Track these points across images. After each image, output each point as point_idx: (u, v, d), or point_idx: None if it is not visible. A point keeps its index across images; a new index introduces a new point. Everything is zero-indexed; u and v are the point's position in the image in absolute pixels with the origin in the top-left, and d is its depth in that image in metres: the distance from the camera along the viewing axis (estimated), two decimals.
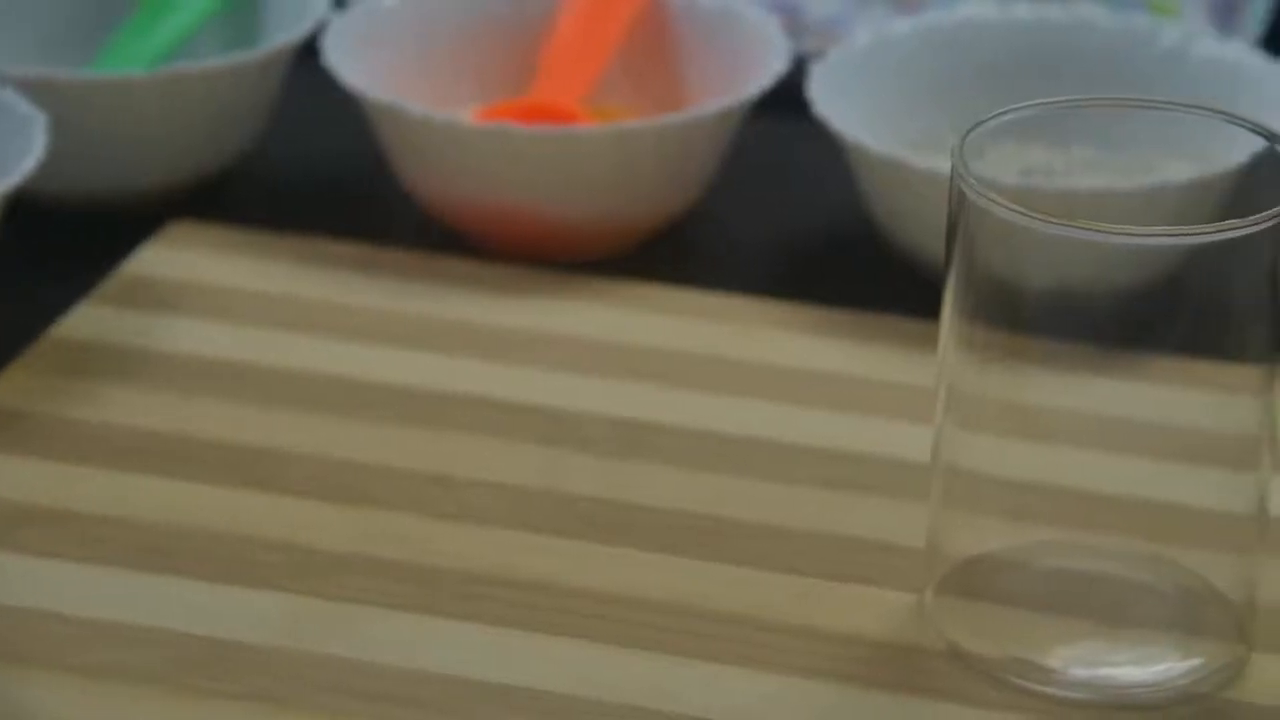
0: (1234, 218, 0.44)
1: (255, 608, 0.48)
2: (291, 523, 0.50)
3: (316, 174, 0.65)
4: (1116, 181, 0.55)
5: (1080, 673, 0.46)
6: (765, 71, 0.60)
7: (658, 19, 0.64)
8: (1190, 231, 0.45)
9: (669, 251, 0.61)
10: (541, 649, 0.47)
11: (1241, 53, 0.61)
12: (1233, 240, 0.44)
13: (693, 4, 0.64)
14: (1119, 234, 0.44)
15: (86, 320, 0.57)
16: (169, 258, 0.60)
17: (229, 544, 0.50)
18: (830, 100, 0.59)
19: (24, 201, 0.59)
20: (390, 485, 0.52)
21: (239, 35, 0.65)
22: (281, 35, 0.63)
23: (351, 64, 0.60)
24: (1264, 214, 0.44)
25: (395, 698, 0.46)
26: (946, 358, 0.46)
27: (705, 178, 0.61)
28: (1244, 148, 0.46)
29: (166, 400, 0.54)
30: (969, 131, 0.46)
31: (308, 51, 0.62)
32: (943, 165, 0.45)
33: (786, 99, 0.61)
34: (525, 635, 0.47)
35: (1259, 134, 0.45)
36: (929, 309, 0.47)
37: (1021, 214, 0.44)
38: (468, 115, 0.62)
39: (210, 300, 0.58)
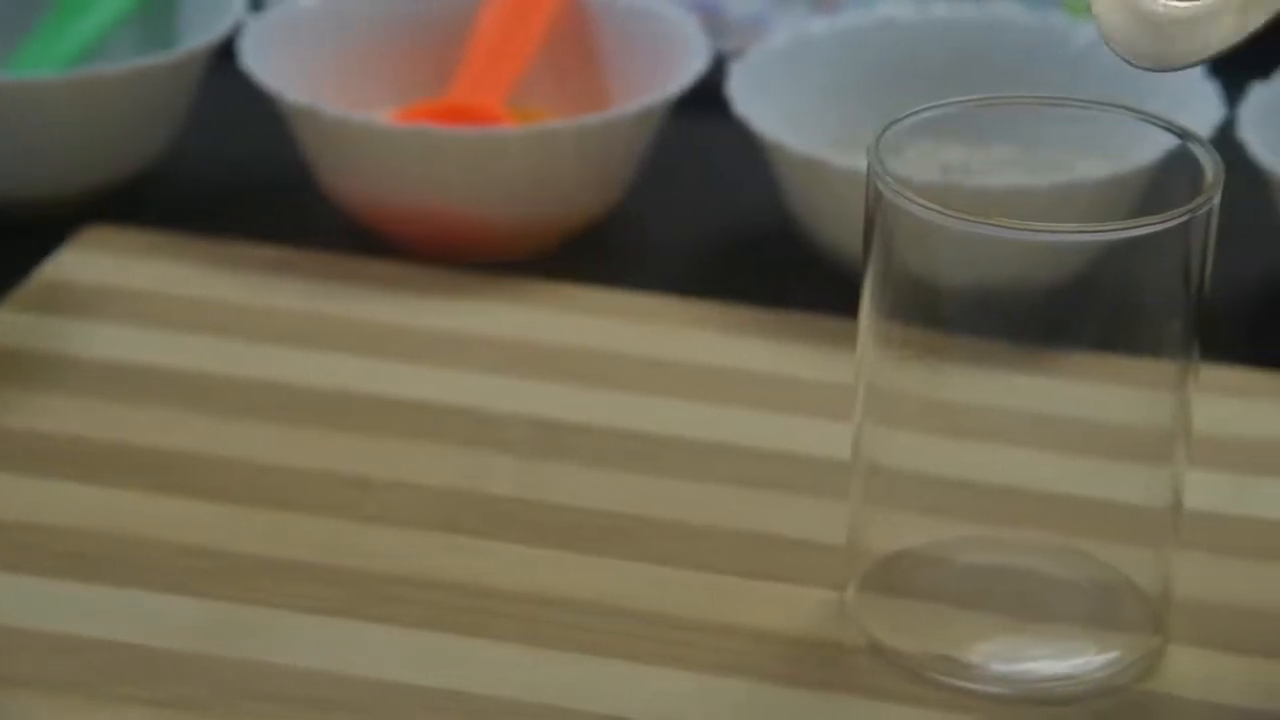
0: (1148, 214, 0.44)
1: (176, 614, 0.48)
2: (211, 528, 0.50)
3: (234, 176, 0.65)
4: (1033, 179, 0.56)
5: (999, 667, 0.46)
6: (685, 71, 0.60)
7: (578, 19, 0.64)
8: (1105, 228, 0.45)
9: (590, 251, 0.61)
10: (462, 650, 0.47)
11: None
12: (1146, 237, 0.44)
13: (613, 4, 0.64)
14: (1034, 231, 0.44)
15: (2, 327, 0.57)
16: (86, 262, 0.59)
17: (148, 550, 0.49)
18: (750, 99, 0.59)
19: None
20: (310, 489, 0.51)
21: (154, 37, 0.65)
22: (197, 37, 0.62)
23: (268, 65, 0.60)
24: (1176, 210, 0.44)
25: (317, 702, 0.46)
26: (865, 355, 0.47)
27: (625, 177, 0.61)
28: (1157, 145, 0.47)
29: (85, 406, 0.54)
30: (884, 129, 0.46)
31: (224, 53, 0.62)
32: (861, 164, 0.46)
33: (706, 98, 0.61)
34: (446, 637, 0.47)
35: (1171, 132, 0.46)
36: (849, 307, 0.47)
37: (937, 211, 0.44)
38: (387, 116, 0.62)
39: (128, 305, 0.58)
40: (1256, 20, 0.41)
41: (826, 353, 0.55)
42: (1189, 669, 0.46)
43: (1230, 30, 0.41)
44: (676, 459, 0.52)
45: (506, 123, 0.62)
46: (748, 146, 0.60)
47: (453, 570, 0.49)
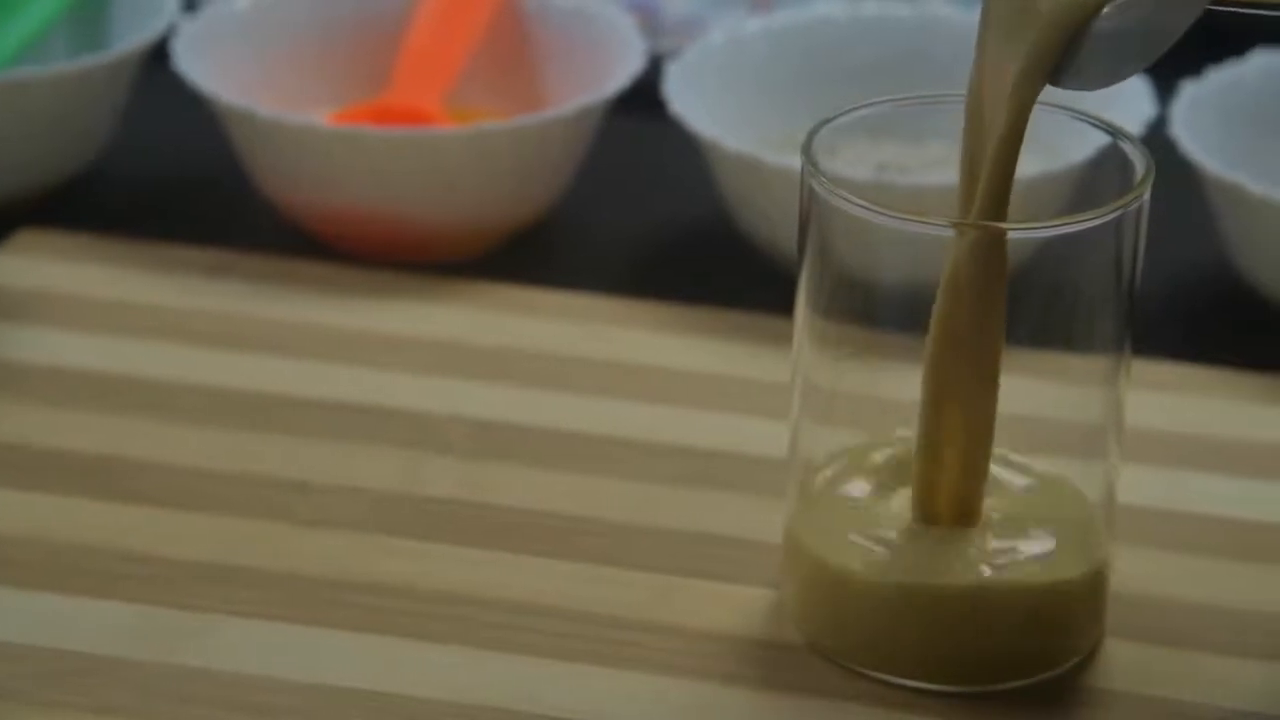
0: (1079, 212, 0.45)
1: (109, 619, 0.47)
2: (146, 532, 0.50)
3: (169, 179, 0.64)
4: None
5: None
6: (622, 71, 0.60)
7: (515, 19, 0.64)
8: (1037, 226, 0.45)
9: (528, 252, 0.61)
10: (402, 653, 0.47)
11: None
12: (1078, 234, 0.45)
13: (550, 4, 0.64)
14: (968, 228, 0.44)
15: None
16: (18, 266, 0.59)
17: (80, 555, 0.49)
18: (686, 98, 0.59)
19: None
20: (246, 492, 0.51)
21: (86, 39, 0.64)
22: (130, 38, 0.62)
23: (203, 67, 0.60)
24: (1107, 207, 0.45)
25: (254, 707, 0.45)
26: (801, 354, 0.47)
27: (563, 178, 0.61)
28: (1089, 143, 0.47)
29: (17, 410, 0.54)
30: (818, 128, 0.46)
31: (158, 54, 0.62)
32: (796, 162, 0.46)
33: (644, 98, 0.61)
34: (385, 640, 0.47)
35: (1103, 130, 0.46)
36: (787, 305, 0.47)
37: (868, 209, 0.44)
38: (322, 118, 0.62)
39: (61, 308, 0.57)
40: None
41: (765, 351, 0.56)
42: (1126, 662, 0.47)
43: None
44: (615, 459, 0.52)
45: (443, 123, 0.62)
46: (685, 146, 0.60)
47: (391, 573, 0.49)
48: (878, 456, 0.47)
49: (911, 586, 0.45)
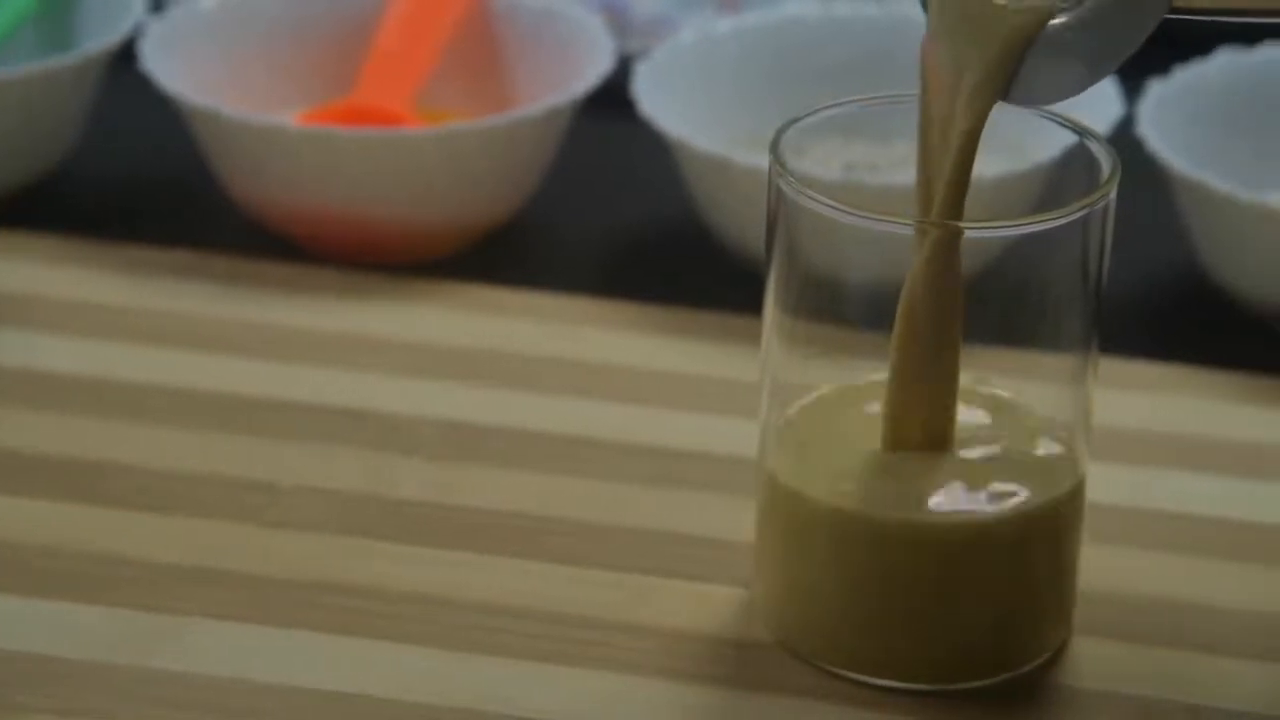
0: (1047, 211, 0.45)
1: (79, 622, 0.47)
2: (115, 534, 0.50)
3: (137, 180, 0.64)
4: None
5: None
6: (591, 71, 0.60)
7: (484, 19, 0.64)
8: (1004, 225, 0.46)
9: (498, 252, 0.61)
10: (373, 655, 0.47)
11: None
12: (1045, 233, 0.45)
13: (519, 4, 0.64)
14: (935, 227, 0.44)
15: None
16: None
17: (49, 558, 0.49)
18: (655, 99, 0.60)
19: None
20: (216, 494, 0.51)
21: (52, 40, 0.64)
22: (97, 39, 0.62)
23: (170, 67, 0.60)
24: (1074, 206, 0.45)
25: (225, 709, 0.45)
26: (770, 353, 0.47)
27: (533, 178, 0.61)
28: (1056, 142, 0.47)
29: None
30: (785, 128, 0.46)
31: (125, 55, 0.61)
32: (765, 162, 0.46)
33: (613, 98, 0.61)
34: (356, 641, 0.47)
35: (1070, 129, 0.46)
36: (756, 305, 0.47)
37: (835, 208, 0.44)
38: (291, 119, 0.62)
39: (30, 311, 0.57)
40: None
41: (735, 350, 0.56)
42: (1092, 660, 0.47)
43: None
44: (585, 459, 0.52)
45: (411, 124, 0.62)
46: (654, 146, 0.60)
47: (362, 574, 0.49)
48: (850, 396, 0.46)
49: (885, 520, 0.44)
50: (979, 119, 0.43)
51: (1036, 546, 0.46)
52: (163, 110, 0.61)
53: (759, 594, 0.48)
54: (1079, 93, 0.43)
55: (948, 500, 0.45)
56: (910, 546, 0.45)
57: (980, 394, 0.46)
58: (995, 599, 0.46)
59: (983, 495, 0.45)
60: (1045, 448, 0.46)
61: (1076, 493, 0.46)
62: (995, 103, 0.43)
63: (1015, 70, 0.42)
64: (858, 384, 0.47)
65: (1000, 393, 0.47)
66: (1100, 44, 0.41)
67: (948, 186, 0.43)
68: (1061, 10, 0.42)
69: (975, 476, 0.45)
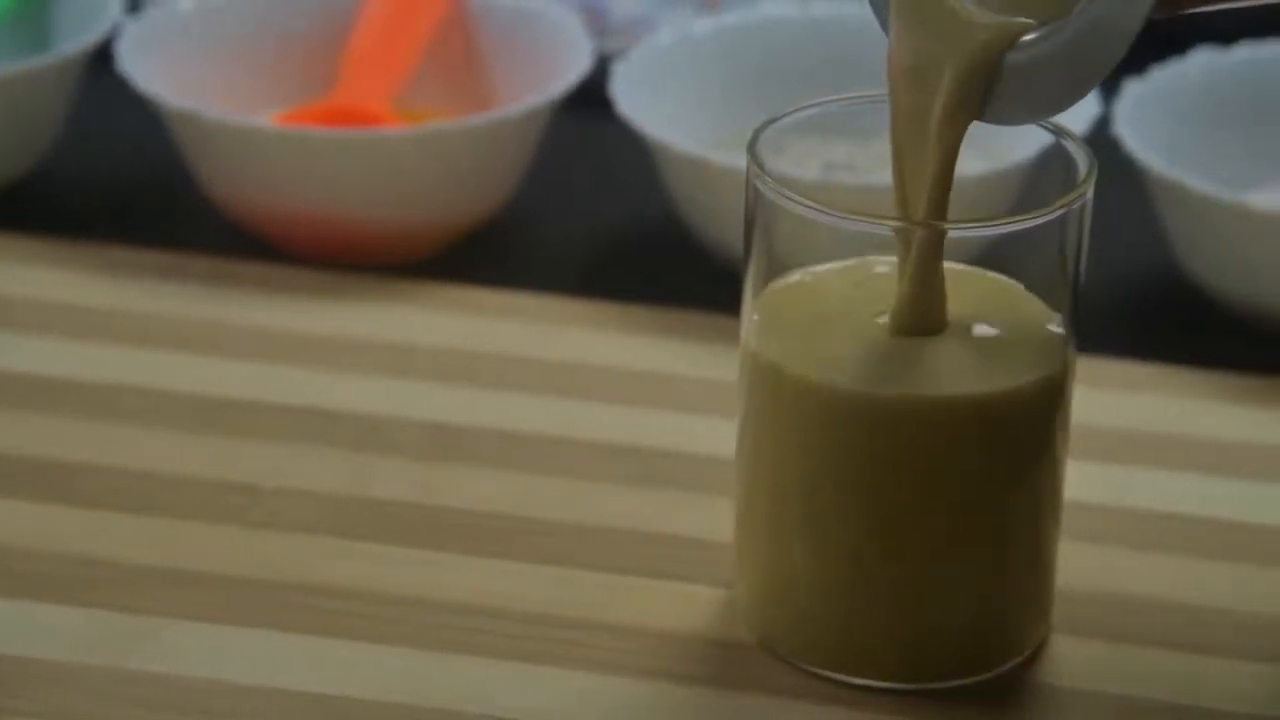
0: (1024, 211, 0.45)
1: (58, 623, 0.47)
2: (96, 536, 0.50)
3: (115, 181, 0.64)
4: None
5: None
6: (569, 71, 0.60)
7: (463, 20, 0.64)
8: (982, 224, 0.46)
9: (477, 253, 0.61)
10: (353, 656, 0.47)
11: None
12: (1023, 232, 0.45)
13: (497, 4, 0.64)
14: (914, 227, 0.44)
15: None
16: None
17: (29, 560, 0.49)
18: (633, 99, 0.60)
19: None
20: (196, 495, 0.51)
21: (30, 40, 0.64)
22: (74, 40, 0.61)
23: (147, 68, 0.60)
24: (1052, 206, 0.45)
25: (206, 711, 0.45)
26: (748, 352, 0.47)
27: (512, 178, 0.61)
28: (1033, 142, 0.48)
29: None
30: (763, 128, 0.46)
31: (102, 56, 0.61)
32: (743, 162, 0.46)
33: (592, 98, 0.61)
34: (336, 642, 0.47)
35: (1047, 129, 0.47)
36: (736, 304, 0.47)
37: (811, 208, 0.44)
38: (269, 119, 0.62)
39: (6, 312, 0.57)
40: None
41: (716, 350, 0.56)
42: (1071, 659, 0.47)
43: None
44: (566, 459, 0.52)
45: (391, 124, 0.62)
46: (633, 146, 0.60)
47: (342, 575, 0.49)
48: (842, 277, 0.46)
49: (885, 396, 0.44)
50: (953, 148, 0.43)
51: (1022, 425, 0.44)
52: (141, 111, 0.61)
53: (740, 593, 0.48)
54: (1057, 114, 0.43)
55: (943, 378, 0.44)
56: (903, 423, 0.44)
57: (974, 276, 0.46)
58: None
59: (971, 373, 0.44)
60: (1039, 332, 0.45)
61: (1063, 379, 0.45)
62: (970, 123, 0.43)
63: (989, 89, 0.42)
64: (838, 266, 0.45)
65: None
66: (1076, 65, 0.41)
67: (929, 202, 0.43)
68: (1034, 29, 0.42)
69: (965, 356, 0.45)
